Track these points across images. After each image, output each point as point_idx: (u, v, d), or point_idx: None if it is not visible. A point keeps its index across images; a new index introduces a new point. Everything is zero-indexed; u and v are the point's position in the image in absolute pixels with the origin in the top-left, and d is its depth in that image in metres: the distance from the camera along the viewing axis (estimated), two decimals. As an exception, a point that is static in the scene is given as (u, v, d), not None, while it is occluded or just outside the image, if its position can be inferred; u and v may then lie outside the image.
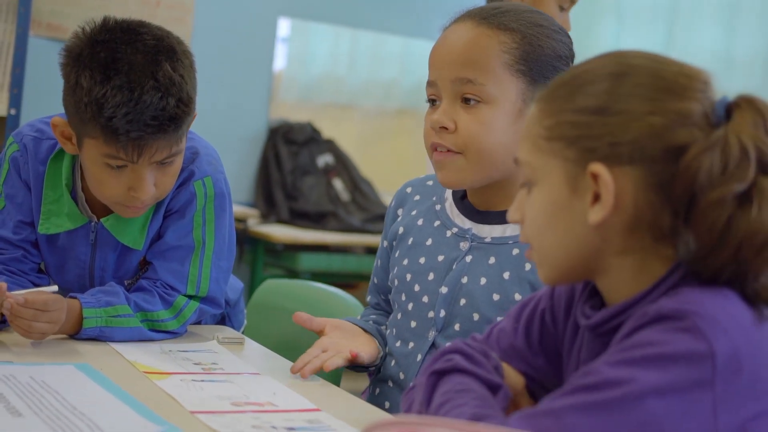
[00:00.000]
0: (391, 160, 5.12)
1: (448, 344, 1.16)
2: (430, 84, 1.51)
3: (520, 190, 1.10)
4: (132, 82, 1.50)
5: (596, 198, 1.00)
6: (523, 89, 1.47)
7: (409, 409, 1.12)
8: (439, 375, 1.11)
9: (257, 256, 4.51)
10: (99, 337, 1.59)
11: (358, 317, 1.77)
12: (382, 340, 1.62)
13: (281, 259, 4.58)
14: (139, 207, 1.62)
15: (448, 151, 1.49)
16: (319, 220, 4.61)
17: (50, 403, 1.22)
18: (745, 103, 0.99)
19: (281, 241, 4.40)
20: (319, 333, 1.57)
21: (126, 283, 1.73)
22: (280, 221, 4.63)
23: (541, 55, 1.47)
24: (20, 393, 1.25)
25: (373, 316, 1.73)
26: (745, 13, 3.93)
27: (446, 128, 1.48)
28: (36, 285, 1.71)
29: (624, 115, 0.99)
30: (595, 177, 0.99)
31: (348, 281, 4.53)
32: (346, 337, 1.56)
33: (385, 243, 1.69)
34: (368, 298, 1.79)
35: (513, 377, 1.16)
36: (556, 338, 1.15)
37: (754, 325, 0.95)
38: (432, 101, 1.52)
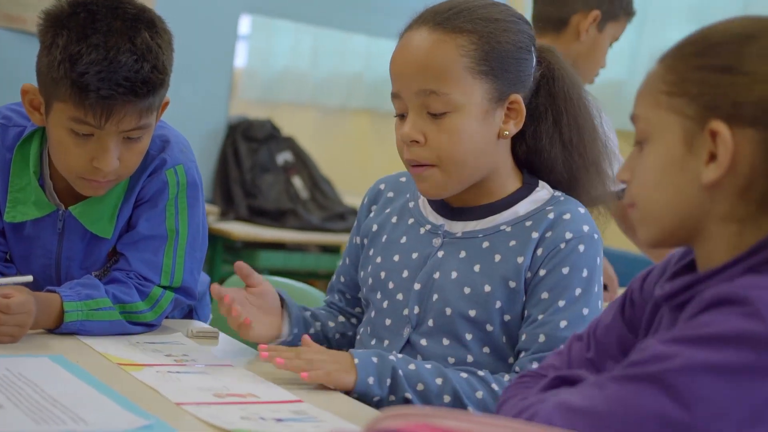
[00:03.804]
0: (351, 159, 5.12)
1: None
2: (395, 96, 1.49)
3: (633, 150, 1.09)
4: (108, 42, 1.50)
5: (712, 157, 0.99)
6: (488, 89, 1.45)
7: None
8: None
9: (216, 254, 4.48)
10: (79, 331, 1.56)
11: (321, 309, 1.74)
12: (303, 325, 1.61)
13: (240, 256, 4.54)
14: (101, 182, 1.58)
15: (423, 164, 1.48)
16: (278, 218, 4.59)
17: (29, 395, 1.19)
18: None
19: (240, 238, 4.38)
20: (248, 286, 1.56)
21: (93, 275, 1.70)
22: (239, 218, 4.60)
23: (501, 51, 1.45)
24: (-3, 384, 1.22)
25: (322, 311, 1.71)
26: (713, 11, 3.96)
27: (417, 141, 1.46)
28: (3, 275, 1.68)
29: (751, 75, 0.98)
30: (713, 135, 0.98)
31: (306, 279, 4.51)
32: (254, 313, 1.54)
33: (357, 239, 1.68)
34: (326, 298, 1.77)
35: None
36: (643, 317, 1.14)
37: None
38: (400, 115, 1.50)
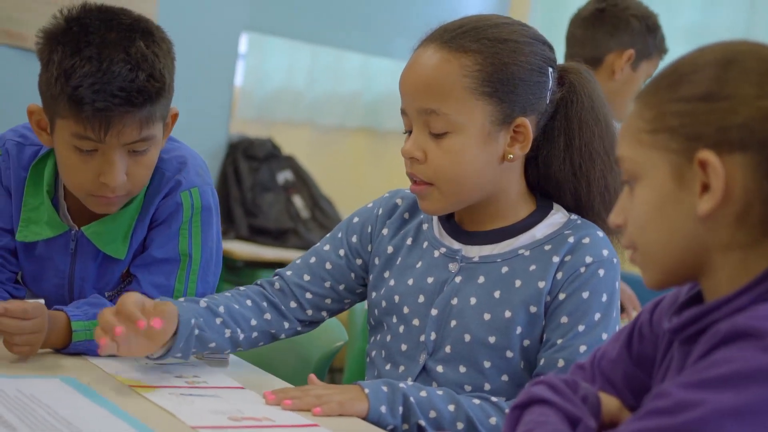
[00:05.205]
0: (349, 178, 5.10)
1: (540, 377, 1.12)
2: (402, 112, 1.49)
3: (623, 192, 1.06)
4: (102, 53, 1.48)
5: (705, 188, 0.96)
6: (491, 111, 1.42)
7: None
8: (521, 408, 1.07)
9: (216, 273, 4.45)
10: (87, 351, 1.54)
11: (240, 288, 1.63)
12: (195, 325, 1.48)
13: (241, 276, 4.52)
14: (111, 198, 1.56)
15: (422, 181, 1.46)
16: (279, 237, 4.56)
17: (43, 417, 1.17)
18: None
19: (241, 257, 4.35)
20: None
21: (106, 295, 1.68)
22: (239, 238, 4.57)
23: (506, 74, 1.42)
24: (10, 406, 1.20)
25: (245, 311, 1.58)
26: (713, 36, 4.00)
27: (417, 159, 1.45)
28: (12, 295, 1.66)
29: (732, 99, 0.95)
30: (703, 165, 0.95)
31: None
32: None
33: (354, 238, 1.62)
34: (288, 272, 1.63)
35: (610, 404, 1.12)
36: (655, 351, 1.11)
37: None
38: (409, 131, 1.48)
